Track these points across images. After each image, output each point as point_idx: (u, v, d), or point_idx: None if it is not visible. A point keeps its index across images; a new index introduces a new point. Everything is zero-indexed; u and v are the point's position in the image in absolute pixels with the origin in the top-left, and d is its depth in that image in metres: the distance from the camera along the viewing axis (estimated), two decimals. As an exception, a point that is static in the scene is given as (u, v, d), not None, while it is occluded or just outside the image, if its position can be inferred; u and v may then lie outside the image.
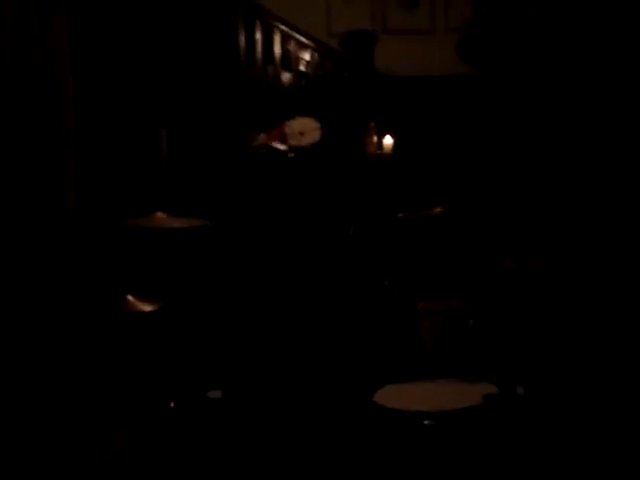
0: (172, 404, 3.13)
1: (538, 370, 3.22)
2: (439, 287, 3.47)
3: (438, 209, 2.97)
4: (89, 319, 3.45)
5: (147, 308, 3.01)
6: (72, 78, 3.74)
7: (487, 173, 4.80)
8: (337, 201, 4.81)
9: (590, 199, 4.06)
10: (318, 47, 6.03)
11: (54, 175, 3.59)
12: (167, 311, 3.10)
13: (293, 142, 4.71)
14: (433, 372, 3.11)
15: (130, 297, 3.02)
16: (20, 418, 3.23)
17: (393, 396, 2.81)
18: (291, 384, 3.52)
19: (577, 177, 4.15)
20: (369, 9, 6.87)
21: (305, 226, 4.52)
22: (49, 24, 3.59)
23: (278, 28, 5.61)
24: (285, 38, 5.69)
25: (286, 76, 5.73)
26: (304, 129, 4.72)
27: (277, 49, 5.63)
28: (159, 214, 3.20)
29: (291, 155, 4.60)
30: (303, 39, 5.87)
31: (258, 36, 5.45)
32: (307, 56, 5.94)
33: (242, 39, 5.31)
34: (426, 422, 2.65)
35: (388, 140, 5.66)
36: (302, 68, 5.90)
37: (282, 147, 4.61)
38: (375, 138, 5.69)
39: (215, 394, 3.13)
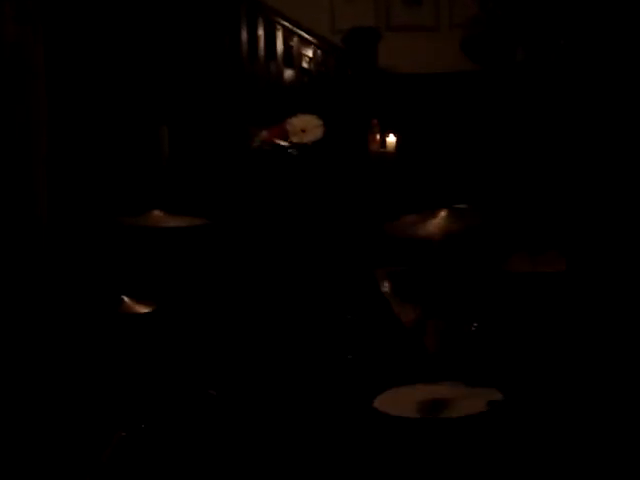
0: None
1: (553, 377, 3.15)
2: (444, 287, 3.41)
3: (443, 212, 2.89)
4: (84, 321, 3.41)
5: (143, 310, 2.96)
6: (71, 74, 3.71)
7: (492, 171, 4.74)
8: (339, 200, 4.76)
9: (617, 189, 3.95)
10: (321, 44, 5.98)
11: (24, 184, 3.52)
12: (163, 312, 3.06)
13: (295, 139, 4.66)
14: (436, 375, 3.04)
15: (126, 298, 2.98)
16: (16, 420, 3.20)
17: (394, 401, 2.75)
18: (290, 388, 3.46)
19: (594, 171, 4.05)
20: (373, 5, 6.84)
21: (306, 225, 4.47)
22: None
23: (280, 24, 5.56)
24: (288, 34, 5.64)
25: (288, 73, 5.68)
26: (306, 126, 4.68)
27: (279, 45, 5.58)
28: (156, 212, 3.14)
29: (293, 152, 4.54)
30: (306, 35, 5.82)
31: (260, 32, 5.40)
32: (310, 53, 5.90)
33: (244, 35, 5.26)
34: (427, 429, 2.60)
35: (391, 138, 5.63)
36: (305, 65, 5.86)
37: (284, 143, 4.56)
38: (378, 136, 5.66)
39: (211, 394, 3.08)
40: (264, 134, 4.76)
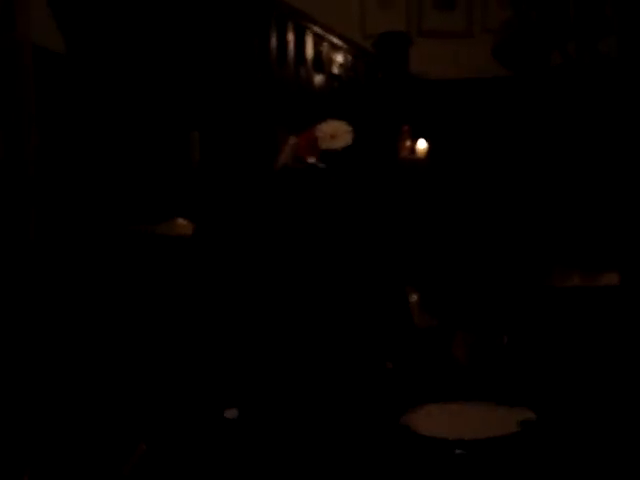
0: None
1: (589, 397, 3.02)
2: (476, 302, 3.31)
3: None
4: (100, 331, 3.35)
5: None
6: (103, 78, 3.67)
7: (526, 180, 4.63)
8: (368, 207, 4.68)
9: None
10: (351, 49, 5.91)
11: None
12: (179, 325, 3.00)
13: (324, 145, 4.59)
14: (466, 391, 2.95)
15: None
16: (34, 433, 3.15)
17: (423, 420, 2.66)
18: (314, 405, 3.38)
19: None
20: (404, 10, 6.76)
21: (335, 235, 4.39)
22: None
23: (310, 29, 5.49)
24: (318, 39, 5.57)
25: (318, 78, 5.61)
26: (335, 132, 4.61)
27: (309, 50, 5.51)
28: (180, 220, 3.07)
29: (322, 166, 4.47)
30: (336, 40, 5.75)
31: (290, 37, 5.33)
32: (340, 58, 5.83)
33: (273, 40, 5.19)
34: (458, 451, 2.50)
35: (422, 144, 5.54)
36: (335, 70, 5.79)
37: (312, 160, 4.48)
38: (408, 142, 5.58)
39: (232, 413, 3.01)
40: (293, 140, 4.71)
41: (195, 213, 3.16)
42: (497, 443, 2.51)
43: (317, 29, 5.54)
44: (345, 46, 5.83)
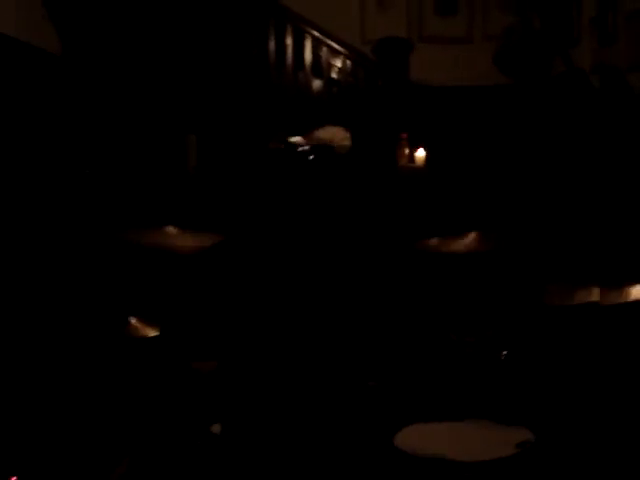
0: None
1: (589, 417, 2.93)
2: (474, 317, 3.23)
3: (473, 234, 2.71)
4: (90, 343, 3.28)
5: (151, 333, 2.81)
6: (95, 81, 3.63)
7: (525, 190, 4.55)
8: (366, 215, 4.61)
9: None
10: (351, 54, 5.85)
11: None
12: (172, 335, 2.92)
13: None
14: (462, 409, 2.86)
15: (133, 320, 2.83)
16: (23, 443, 3.08)
17: (416, 439, 2.57)
18: (306, 420, 3.30)
19: None
20: (405, 15, 6.69)
21: (333, 242, 4.32)
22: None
23: (309, 33, 5.43)
24: (316, 44, 5.51)
25: (317, 83, 5.56)
26: (333, 138, 4.55)
27: (308, 55, 5.45)
28: (170, 229, 2.97)
29: (308, 151, 4.39)
30: (335, 45, 5.69)
31: (289, 41, 5.27)
32: (339, 63, 5.78)
33: (272, 44, 5.14)
34: (452, 473, 2.41)
35: (421, 153, 5.48)
36: (334, 75, 5.74)
37: (303, 146, 4.39)
38: (407, 150, 5.52)
39: (216, 429, 2.92)
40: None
41: (188, 220, 3.07)
42: (494, 466, 2.42)
43: (316, 33, 5.48)
44: (344, 51, 5.77)
